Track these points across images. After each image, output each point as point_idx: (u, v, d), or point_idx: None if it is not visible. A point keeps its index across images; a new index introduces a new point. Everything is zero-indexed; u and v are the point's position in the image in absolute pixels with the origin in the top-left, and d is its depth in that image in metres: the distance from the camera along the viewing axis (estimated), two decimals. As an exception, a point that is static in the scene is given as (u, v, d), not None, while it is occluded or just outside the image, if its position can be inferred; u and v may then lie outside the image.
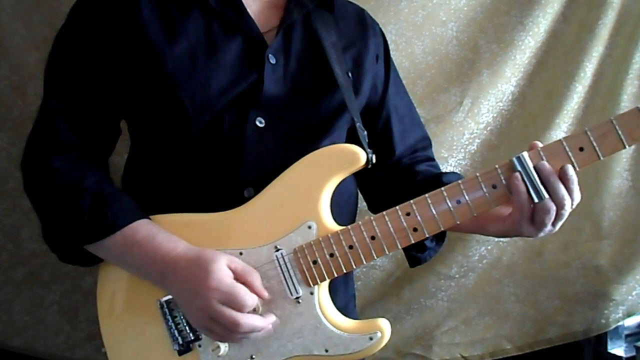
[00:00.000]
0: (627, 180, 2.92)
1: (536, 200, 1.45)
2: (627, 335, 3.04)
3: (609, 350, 2.99)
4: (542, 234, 1.53)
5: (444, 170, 2.64)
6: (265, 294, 1.54)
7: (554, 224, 1.50)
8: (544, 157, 1.45)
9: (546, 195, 1.44)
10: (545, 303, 2.93)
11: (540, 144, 1.48)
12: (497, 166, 1.49)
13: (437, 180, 1.73)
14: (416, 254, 1.82)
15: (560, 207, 1.45)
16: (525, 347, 2.92)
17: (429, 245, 1.78)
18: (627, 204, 2.92)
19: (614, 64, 2.85)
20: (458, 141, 2.82)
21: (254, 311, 1.51)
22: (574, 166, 1.44)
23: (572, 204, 1.47)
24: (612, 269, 2.91)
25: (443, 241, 1.83)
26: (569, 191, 1.45)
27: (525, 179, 1.45)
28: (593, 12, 2.80)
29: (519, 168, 1.45)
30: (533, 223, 1.50)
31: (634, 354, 2.97)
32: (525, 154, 1.46)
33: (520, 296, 2.93)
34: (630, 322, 3.02)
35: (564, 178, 1.44)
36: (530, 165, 1.45)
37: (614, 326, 2.92)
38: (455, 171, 2.73)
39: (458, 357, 2.89)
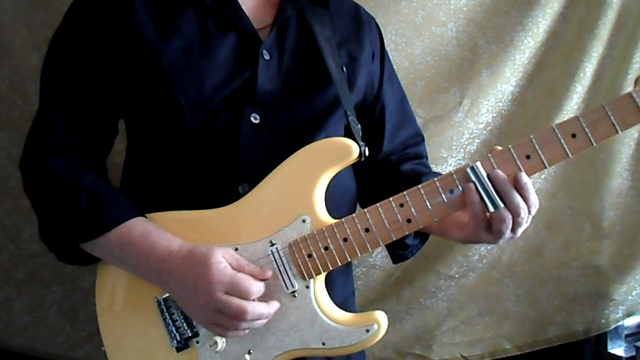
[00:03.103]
0: (627, 180, 2.92)
1: (491, 209, 1.45)
2: (627, 335, 3.04)
3: (609, 350, 3.00)
4: (502, 241, 1.53)
5: (444, 170, 2.67)
6: (269, 272, 1.54)
7: (513, 231, 1.48)
8: (536, 146, 1.44)
9: (501, 205, 1.44)
10: (545, 303, 2.93)
11: (499, 148, 1.49)
12: (452, 172, 1.50)
13: (416, 181, 1.73)
14: (398, 252, 1.84)
15: (516, 215, 1.45)
16: (525, 347, 2.92)
17: (410, 243, 1.79)
18: (627, 204, 2.93)
19: (613, 64, 2.86)
20: (457, 141, 2.82)
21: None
22: (567, 154, 1.43)
23: (529, 212, 1.46)
24: (612, 269, 2.91)
25: (427, 239, 1.84)
26: (525, 199, 1.45)
27: (480, 189, 1.45)
28: (593, 13, 2.81)
29: (473, 178, 1.45)
30: (491, 231, 1.50)
31: (634, 354, 2.98)
32: (479, 164, 1.46)
33: (520, 296, 2.93)
34: (630, 322, 3.03)
35: (518, 186, 1.44)
36: (484, 174, 1.45)
37: (613, 326, 2.92)
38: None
39: (458, 356, 2.89)
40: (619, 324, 2.94)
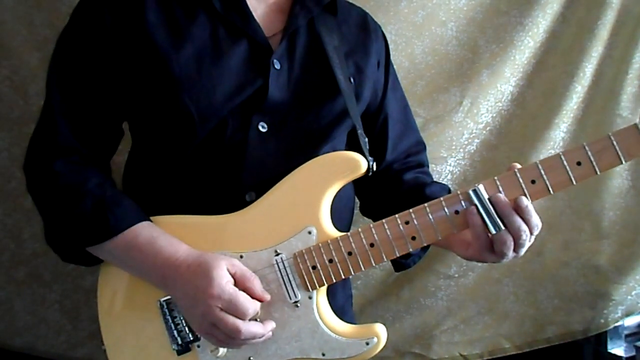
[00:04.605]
0: (627, 180, 2.92)
1: (493, 231, 1.46)
2: (627, 335, 3.04)
3: (609, 350, 3.00)
4: (505, 261, 1.53)
5: (443, 170, 2.67)
6: (267, 297, 1.55)
7: (515, 251, 1.50)
8: (542, 172, 1.46)
9: (502, 227, 1.46)
10: (544, 302, 2.93)
11: (518, 165, 1.50)
12: (458, 192, 1.51)
13: (420, 191, 1.76)
14: (400, 260, 1.84)
15: (517, 237, 1.46)
16: (524, 346, 2.92)
17: (413, 252, 1.76)
18: (627, 204, 2.92)
19: (613, 64, 2.85)
20: (457, 141, 2.81)
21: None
22: (571, 181, 1.45)
23: (531, 233, 1.48)
24: (612, 268, 2.91)
25: (428, 248, 1.83)
26: (525, 221, 1.46)
27: (482, 212, 1.46)
28: (592, 13, 2.80)
29: (475, 201, 1.47)
30: (493, 252, 1.51)
31: (633, 353, 2.98)
32: (481, 186, 1.47)
33: (520, 296, 2.93)
34: (630, 322, 3.03)
35: (518, 210, 1.46)
36: (486, 197, 1.46)
37: (612, 326, 2.93)
38: (453, 171, 2.76)
39: (457, 356, 2.90)
40: (619, 323, 2.95)
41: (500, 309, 2.93)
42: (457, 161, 2.83)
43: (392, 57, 1.99)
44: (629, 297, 2.90)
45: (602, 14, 2.79)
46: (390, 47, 1.97)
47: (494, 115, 2.86)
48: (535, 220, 1.47)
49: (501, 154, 2.83)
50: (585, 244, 2.93)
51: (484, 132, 2.86)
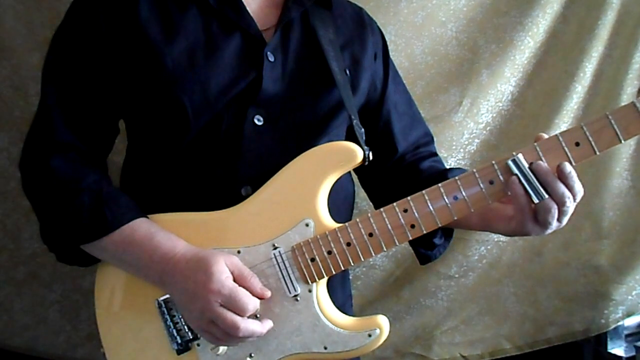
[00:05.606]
0: (627, 180, 2.92)
1: (536, 200, 1.44)
2: (627, 335, 3.04)
3: (609, 350, 3.00)
4: (549, 231, 1.52)
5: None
6: (268, 293, 1.53)
7: (559, 220, 1.48)
8: (540, 154, 1.45)
9: (545, 195, 1.44)
10: (544, 303, 2.93)
11: (544, 135, 1.48)
12: (493, 162, 1.49)
13: (443, 176, 1.72)
14: (425, 252, 1.82)
15: (561, 204, 1.44)
16: (525, 347, 2.92)
17: (437, 243, 1.78)
18: (627, 204, 2.93)
19: (613, 64, 2.86)
20: (457, 141, 2.82)
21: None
22: (570, 162, 1.44)
23: (574, 200, 1.46)
24: (612, 269, 2.91)
25: (452, 237, 1.83)
26: (569, 188, 1.44)
27: (523, 181, 1.44)
28: (593, 13, 2.81)
29: (515, 171, 1.45)
30: (537, 222, 1.49)
31: (633, 354, 2.97)
32: (521, 156, 1.45)
33: (520, 296, 2.93)
34: (630, 322, 3.03)
35: (561, 176, 1.43)
36: (526, 166, 1.44)
37: (613, 326, 2.93)
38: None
39: (457, 356, 2.89)
40: (619, 324, 2.95)
41: (500, 309, 2.93)
42: (457, 161, 2.83)
43: (392, 58, 1.98)
44: (630, 297, 2.91)
45: (602, 14, 2.80)
46: (390, 47, 1.97)
47: (494, 115, 2.86)
48: (579, 186, 1.45)
49: (501, 154, 2.78)
50: (585, 244, 2.93)
51: (484, 132, 2.86)
